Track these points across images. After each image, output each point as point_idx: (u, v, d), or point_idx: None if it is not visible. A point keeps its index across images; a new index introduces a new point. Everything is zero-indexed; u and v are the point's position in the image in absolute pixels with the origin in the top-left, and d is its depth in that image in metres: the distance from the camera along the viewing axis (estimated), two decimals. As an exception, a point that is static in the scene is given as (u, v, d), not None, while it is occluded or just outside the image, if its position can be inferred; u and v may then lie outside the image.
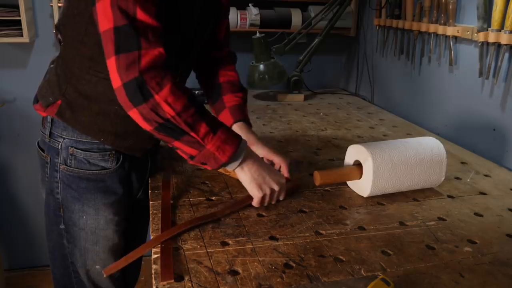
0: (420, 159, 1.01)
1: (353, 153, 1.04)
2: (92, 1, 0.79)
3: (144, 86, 0.79)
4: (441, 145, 1.05)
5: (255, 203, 0.94)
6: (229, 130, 0.89)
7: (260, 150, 1.05)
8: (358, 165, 1.02)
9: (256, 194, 0.93)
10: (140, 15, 0.78)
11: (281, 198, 0.98)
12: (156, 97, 0.79)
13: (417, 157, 1.01)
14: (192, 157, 0.87)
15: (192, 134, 0.83)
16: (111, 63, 0.79)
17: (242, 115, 1.12)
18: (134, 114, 0.82)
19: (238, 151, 0.89)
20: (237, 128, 1.10)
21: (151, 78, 0.79)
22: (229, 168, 0.91)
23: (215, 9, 1.08)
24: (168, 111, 0.80)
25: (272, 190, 0.94)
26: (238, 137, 0.90)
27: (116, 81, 0.80)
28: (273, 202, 0.97)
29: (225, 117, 1.12)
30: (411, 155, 1.01)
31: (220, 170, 1.11)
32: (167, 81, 0.80)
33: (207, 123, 0.85)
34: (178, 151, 0.88)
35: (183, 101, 0.81)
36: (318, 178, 1.00)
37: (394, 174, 0.99)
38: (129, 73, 0.78)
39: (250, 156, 0.93)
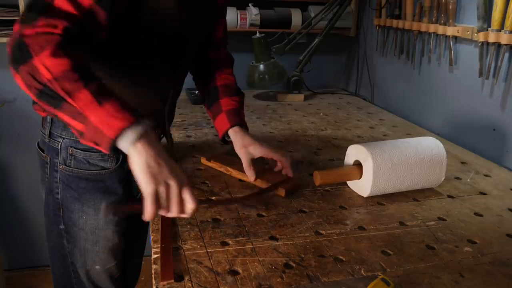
0: (420, 159, 1.01)
1: (353, 153, 1.04)
2: None
3: (24, 47, 0.74)
4: (441, 145, 1.05)
5: (147, 207, 0.74)
6: (124, 105, 0.75)
7: (258, 150, 1.05)
8: (358, 165, 1.02)
9: (147, 188, 0.73)
10: None
11: (188, 204, 0.76)
12: (35, 59, 0.73)
13: (417, 157, 1.01)
14: (81, 134, 0.75)
15: (69, 100, 0.73)
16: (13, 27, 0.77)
17: (238, 119, 1.11)
18: (17, 80, 0.77)
19: (131, 128, 0.73)
20: (233, 132, 1.09)
21: (34, 41, 0.74)
22: (121, 147, 0.75)
23: (210, 9, 1.07)
24: (45, 75, 0.73)
25: (168, 186, 0.74)
26: (135, 115, 0.75)
27: (7, 48, 0.77)
28: (170, 211, 0.75)
29: (221, 121, 1.11)
30: (411, 155, 1.01)
31: (221, 168, 1.11)
32: (51, 46, 0.73)
33: (92, 91, 0.73)
34: (71, 129, 0.78)
35: (64, 67, 0.73)
36: (318, 178, 1.00)
37: (394, 174, 0.99)
38: (14, 37, 0.75)
39: (150, 140, 0.75)
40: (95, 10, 0.79)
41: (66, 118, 0.76)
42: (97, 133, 0.74)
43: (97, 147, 0.76)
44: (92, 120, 0.73)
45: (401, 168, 0.99)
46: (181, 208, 0.76)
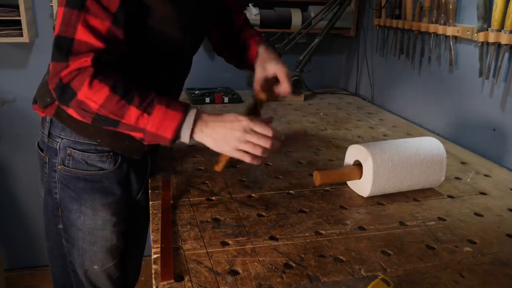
0: (420, 159, 1.01)
1: (353, 153, 1.04)
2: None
3: (67, 87, 0.81)
4: (441, 145, 1.05)
5: (242, 158, 0.87)
6: (168, 104, 0.84)
7: (272, 67, 1.03)
8: (358, 165, 1.02)
9: (230, 154, 0.87)
10: (80, 31, 0.80)
11: (266, 135, 0.86)
12: (78, 95, 0.81)
13: (417, 157, 1.01)
14: (142, 140, 0.86)
15: (124, 121, 0.83)
16: (49, 67, 0.84)
17: (264, 41, 1.11)
18: (71, 112, 0.86)
19: (184, 123, 0.84)
20: (259, 49, 1.09)
21: (73, 79, 0.81)
22: (183, 140, 0.86)
23: (209, 13, 1.07)
24: (92, 106, 0.82)
25: (242, 140, 0.85)
26: (180, 108, 0.84)
27: (49, 85, 0.84)
28: (259, 153, 0.86)
29: (251, 55, 1.10)
30: (411, 155, 1.01)
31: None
32: (87, 77, 0.81)
33: (137, 106, 0.82)
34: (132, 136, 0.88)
35: (105, 93, 0.81)
36: (318, 178, 1.00)
37: (394, 174, 0.99)
38: (54, 79, 0.82)
39: (200, 120, 0.86)
40: (114, 31, 0.83)
41: (125, 132, 0.86)
42: (156, 137, 0.85)
43: (159, 143, 0.87)
44: (148, 130, 0.83)
45: (401, 168, 0.99)
46: (260, 138, 0.86)
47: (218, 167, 0.96)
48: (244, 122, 0.86)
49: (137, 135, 0.86)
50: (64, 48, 0.81)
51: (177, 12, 0.90)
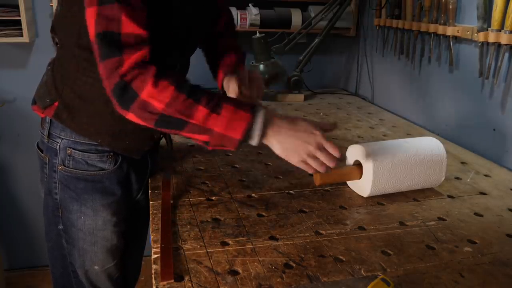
0: (420, 159, 1.01)
1: (353, 153, 1.04)
2: (84, 6, 0.79)
3: (127, 88, 0.78)
4: (441, 145, 1.05)
5: (306, 169, 0.88)
6: (237, 104, 0.82)
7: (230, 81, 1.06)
8: (358, 165, 1.02)
9: (294, 162, 0.87)
10: (125, 23, 0.77)
11: (331, 151, 0.87)
12: (142, 95, 0.78)
13: (417, 157, 1.01)
14: (207, 143, 0.83)
15: (192, 121, 0.80)
16: (100, 70, 0.79)
17: (232, 71, 1.11)
18: (131, 117, 0.81)
19: (253, 124, 0.82)
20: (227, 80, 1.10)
21: (134, 78, 0.78)
22: (252, 143, 0.84)
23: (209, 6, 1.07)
24: (157, 106, 0.78)
25: (309, 154, 0.86)
26: (249, 109, 0.82)
27: (106, 88, 0.80)
28: (322, 166, 0.88)
29: (219, 76, 1.12)
30: (411, 155, 1.01)
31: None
32: (150, 76, 0.78)
33: (205, 105, 0.79)
34: (193, 140, 0.85)
35: (170, 92, 0.78)
36: (318, 178, 1.00)
37: (394, 174, 0.99)
38: (111, 79, 0.78)
39: (272, 123, 0.85)
40: (147, 19, 0.80)
41: (189, 135, 0.82)
42: (223, 139, 0.82)
43: (223, 148, 0.84)
44: (216, 130, 0.80)
45: (401, 168, 0.99)
46: (328, 158, 0.87)
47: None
48: (318, 137, 0.86)
49: (202, 137, 0.82)
50: (113, 43, 0.77)
51: None
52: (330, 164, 0.87)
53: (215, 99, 0.81)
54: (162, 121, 0.80)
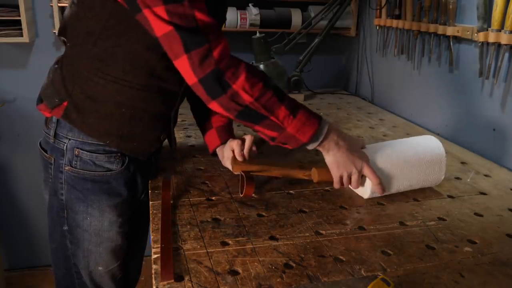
0: (420, 158, 1.01)
1: None
2: (136, 8, 0.80)
3: (222, 77, 0.81)
4: (440, 144, 1.05)
5: (335, 185, 0.98)
6: (309, 111, 0.90)
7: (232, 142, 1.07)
8: None
9: (334, 174, 0.97)
10: (199, 15, 0.79)
11: (367, 181, 0.98)
12: (234, 86, 0.82)
13: (417, 157, 1.01)
14: (273, 139, 0.90)
15: (272, 118, 0.86)
16: (183, 63, 0.81)
17: (228, 136, 1.13)
18: (214, 106, 0.85)
19: (319, 131, 0.90)
20: (222, 147, 1.13)
21: (227, 69, 0.81)
22: (309, 147, 0.93)
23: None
24: (246, 98, 0.83)
25: (349, 173, 0.96)
26: (318, 117, 0.91)
27: (191, 79, 0.82)
28: (351, 186, 0.99)
29: (211, 137, 1.14)
30: (410, 155, 1.01)
31: (260, 171, 1.07)
32: (242, 69, 0.82)
33: (286, 106, 0.86)
34: (259, 133, 0.91)
35: (260, 87, 0.83)
36: (316, 175, 1.00)
37: (393, 176, 0.99)
38: (205, 67, 0.80)
39: (332, 135, 0.93)
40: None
41: (262, 129, 0.89)
42: (290, 138, 0.89)
43: (283, 145, 0.92)
44: (289, 130, 0.88)
45: (400, 169, 0.99)
46: (357, 186, 0.98)
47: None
48: (364, 160, 0.96)
49: (271, 133, 0.89)
50: (196, 34, 0.79)
51: None
52: (356, 186, 0.98)
53: (294, 102, 0.89)
54: (244, 113, 0.85)
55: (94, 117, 0.94)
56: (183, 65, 0.81)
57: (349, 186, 1.00)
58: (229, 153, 1.08)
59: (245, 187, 0.98)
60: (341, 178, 0.97)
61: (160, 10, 0.78)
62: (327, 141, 0.93)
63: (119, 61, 0.91)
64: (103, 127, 0.95)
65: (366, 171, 0.96)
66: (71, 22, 0.94)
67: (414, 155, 1.01)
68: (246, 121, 0.88)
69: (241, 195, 0.99)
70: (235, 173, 1.03)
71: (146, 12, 0.79)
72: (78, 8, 0.92)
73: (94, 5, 0.88)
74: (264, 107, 0.85)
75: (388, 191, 1.01)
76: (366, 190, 1.00)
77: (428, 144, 1.04)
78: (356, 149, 0.97)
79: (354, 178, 0.96)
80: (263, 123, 0.87)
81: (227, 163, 1.11)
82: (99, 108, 0.94)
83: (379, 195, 1.01)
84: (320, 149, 0.94)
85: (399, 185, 1.01)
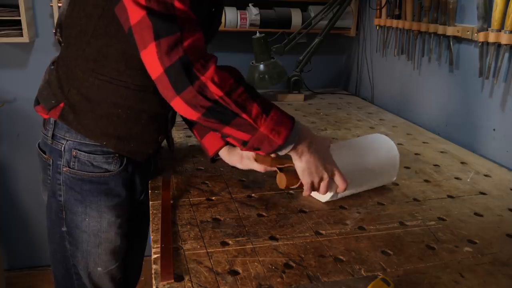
0: (371, 159, 1.01)
1: None
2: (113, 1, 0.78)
3: (190, 66, 0.75)
4: (388, 139, 1.06)
5: (305, 191, 0.92)
6: (281, 110, 0.84)
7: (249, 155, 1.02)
8: None
9: (305, 180, 0.90)
10: (178, 4, 0.75)
11: (339, 186, 0.93)
12: (202, 78, 0.75)
13: (368, 158, 1.01)
14: (244, 143, 0.83)
15: (244, 116, 0.79)
16: (150, 51, 0.75)
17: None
18: (177, 103, 0.78)
19: (293, 131, 0.84)
20: (226, 150, 1.07)
21: (196, 59, 0.75)
22: (282, 152, 0.86)
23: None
24: (215, 92, 0.76)
25: (320, 179, 0.90)
26: (290, 117, 0.85)
27: (156, 70, 0.76)
28: (319, 191, 0.93)
29: (212, 139, 1.07)
30: (361, 156, 1.01)
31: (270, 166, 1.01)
32: (212, 62, 0.77)
33: (259, 103, 0.80)
34: (229, 139, 0.85)
35: (230, 82, 0.77)
36: (283, 181, 0.94)
37: (354, 177, 0.97)
38: (173, 54, 0.74)
39: (305, 136, 0.87)
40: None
41: (232, 132, 0.82)
42: (264, 140, 0.82)
43: (255, 152, 0.86)
44: (262, 130, 0.81)
45: (353, 173, 0.97)
46: (331, 190, 0.93)
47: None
48: (333, 164, 0.92)
49: (243, 136, 0.82)
50: (170, 21, 0.74)
51: None
52: (329, 190, 0.93)
53: (266, 101, 0.82)
54: (213, 110, 0.78)
55: (91, 118, 0.94)
56: (150, 55, 0.75)
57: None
58: (249, 152, 1.00)
59: (286, 178, 0.93)
60: (312, 184, 0.91)
61: None
62: (301, 144, 0.86)
63: (113, 61, 0.90)
64: (100, 128, 0.94)
65: (337, 175, 0.91)
66: (66, 21, 0.94)
67: (365, 156, 1.01)
68: (215, 121, 0.80)
69: (284, 188, 0.95)
70: (271, 169, 0.97)
71: (124, 1, 0.76)
72: (73, 7, 0.91)
73: (87, 4, 0.87)
74: (235, 102, 0.77)
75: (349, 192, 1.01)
76: (326, 194, 0.97)
77: (377, 142, 1.05)
78: (325, 151, 0.91)
79: (325, 184, 0.91)
80: (233, 122, 0.80)
81: (247, 163, 1.02)
82: (95, 109, 0.93)
83: (336, 199, 1.00)
84: (293, 153, 0.87)
85: (357, 187, 1.01)
